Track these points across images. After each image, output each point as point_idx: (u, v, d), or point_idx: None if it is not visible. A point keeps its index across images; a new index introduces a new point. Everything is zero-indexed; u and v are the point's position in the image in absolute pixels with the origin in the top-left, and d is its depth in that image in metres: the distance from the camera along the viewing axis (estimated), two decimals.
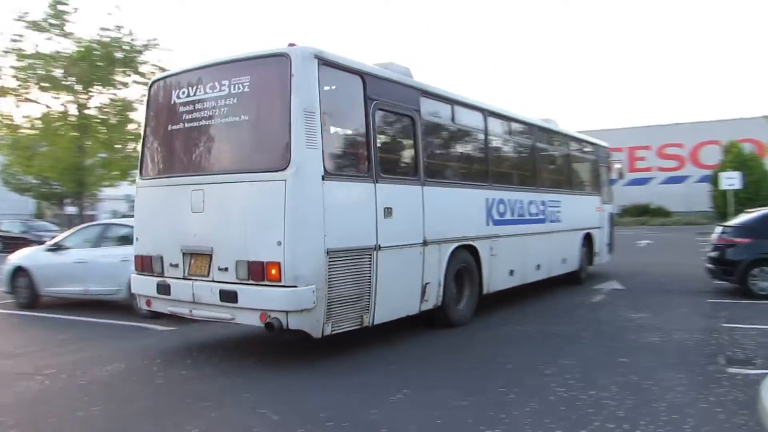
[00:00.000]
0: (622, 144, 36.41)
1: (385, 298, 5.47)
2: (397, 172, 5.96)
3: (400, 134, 6.14)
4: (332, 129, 5.22)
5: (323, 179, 4.86)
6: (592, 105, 72.29)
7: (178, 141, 5.65)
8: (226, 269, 5.09)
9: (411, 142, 6.10)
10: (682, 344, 6.05)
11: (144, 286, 5.81)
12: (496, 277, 7.58)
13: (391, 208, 5.60)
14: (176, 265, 5.49)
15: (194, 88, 5.50)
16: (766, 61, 66.88)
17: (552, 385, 4.73)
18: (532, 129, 8.98)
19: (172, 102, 5.65)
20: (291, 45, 5.02)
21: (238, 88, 5.16)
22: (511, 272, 7.98)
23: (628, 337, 6.38)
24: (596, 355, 5.66)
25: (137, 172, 6.11)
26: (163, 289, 5.56)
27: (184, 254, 5.44)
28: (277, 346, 5.79)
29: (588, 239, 10.99)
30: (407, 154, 6.14)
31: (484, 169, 7.52)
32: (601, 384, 4.70)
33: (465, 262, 6.88)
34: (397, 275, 5.69)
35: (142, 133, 6.09)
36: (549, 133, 9.71)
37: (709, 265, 9.61)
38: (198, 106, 5.45)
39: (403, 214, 5.81)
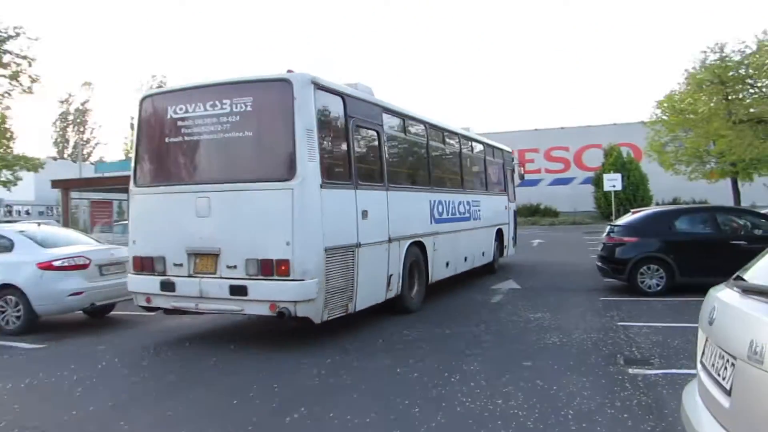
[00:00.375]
0: (513, 146, 38.10)
1: (363, 288, 6.75)
2: (370, 179, 7.23)
3: (369, 146, 7.45)
4: (323, 143, 6.30)
5: (321, 187, 6.07)
6: (486, 108, 76.14)
7: (177, 153, 6.72)
8: (234, 267, 6.15)
9: (377, 152, 7.53)
10: (582, 345, 6.13)
11: (143, 284, 6.77)
12: (437, 269, 9.16)
13: (367, 211, 6.97)
14: (180, 265, 6.53)
15: (193, 105, 6.60)
16: (642, 69, 74.71)
17: (458, 395, 4.65)
18: (459, 138, 10.80)
19: (168, 117, 6.71)
20: (290, 71, 6.18)
21: (241, 107, 6.29)
22: (447, 264, 9.64)
23: (530, 339, 6.45)
24: (500, 358, 5.67)
25: (130, 179, 7.10)
26: (168, 286, 6.57)
27: (189, 254, 6.48)
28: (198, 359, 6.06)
29: (499, 234, 12.95)
30: (375, 164, 7.50)
31: (428, 174, 9.18)
32: (508, 391, 4.69)
33: (415, 256, 8.32)
34: (371, 268, 6.96)
35: (134, 144, 7.06)
36: (470, 141, 11.59)
37: (600, 264, 9.84)
38: (198, 121, 6.54)
39: (375, 215, 7.16)
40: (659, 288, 9.09)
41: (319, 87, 6.54)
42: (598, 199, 33.24)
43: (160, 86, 8.06)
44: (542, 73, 72.48)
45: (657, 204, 32.73)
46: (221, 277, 6.51)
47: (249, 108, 6.57)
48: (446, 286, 9.89)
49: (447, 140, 10.42)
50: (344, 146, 6.97)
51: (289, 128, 6.29)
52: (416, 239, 8.55)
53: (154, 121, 7.19)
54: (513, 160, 15.09)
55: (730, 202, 23.46)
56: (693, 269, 8.92)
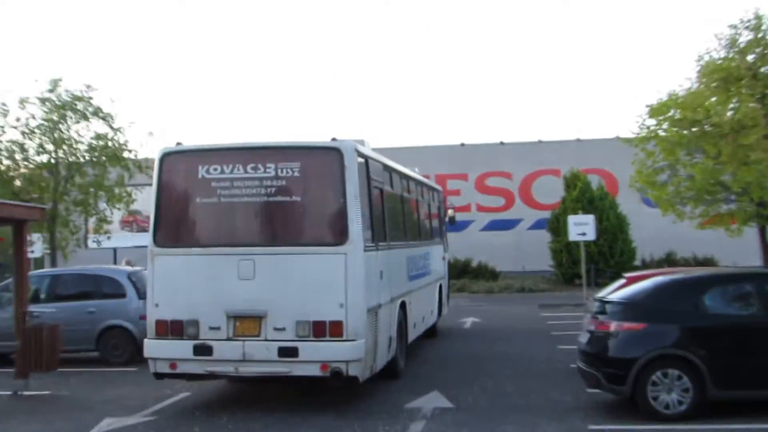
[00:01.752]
0: (427, 170, 39.01)
1: (380, 349, 10.91)
2: (381, 239, 11.54)
3: (378, 206, 11.69)
4: (362, 208, 10.46)
5: (366, 251, 10.25)
6: (388, 113, 77.92)
7: (212, 213, 10.83)
8: (283, 329, 10.05)
9: (381, 212, 11.74)
10: None
11: (169, 349, 10.44)
12: (411, 330, 13.58)
13: (382, 271, 11.21)
14: (218, 328, 10.31)
15: (230, 166, 10.56)
16: (616, 72, 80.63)
17: None
18: (414, 182, 15.23)
19: (200, 177, 10.64)
20: (334, 139, 10.49)
21: (287, 172, 10.36)
22: (415, 325, 14.15)
23: None
24: None
25: (149, 240, 10.94)
26: (203, 350, 10.26)
27: (228, 317, 10.23)
28: None
29: (440, 290, 17.87)
30: (381, 223, 11.66)
31: (404, 227, 13.54)
32: None
33: (401, 317, 12.51)
34: (383, 329, 11.07)
35: (153, 202, 10.86)
36: (420, 185, 16.16)
37: (583, 365, 10.00)
38: (237, 183, 10.51)
39: (385, 275, 11.44)
40: (683, 408, 9.13)
41: (359, 154, 10.80)
42: (557, 253, 34.46)
43: (178, 144, 11.87)
44: (469, 67, 75.86)
45: (643, 262, 34.52)
46: (267, 339, 10.26)
47: (296, 174, 10.62)
48: (326, 400, 11.28)
49: (410, 187, 14.98)
50: (368, 209, 11.09)
51: (340, 194, 10.40)
52: (402, 299, 12.89)
53: (178, 179, 11.08)
54: (443, 201, 19.63)
55: (755, 260, 24.82)
56: (737, 376, 9.05)
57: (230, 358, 10.43)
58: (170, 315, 10.68)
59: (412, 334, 14.18)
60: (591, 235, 24.80)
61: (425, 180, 17.51)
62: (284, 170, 10.76)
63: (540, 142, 41.13)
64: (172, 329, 10.66)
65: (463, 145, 42.11)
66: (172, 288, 10.81)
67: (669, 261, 33.88)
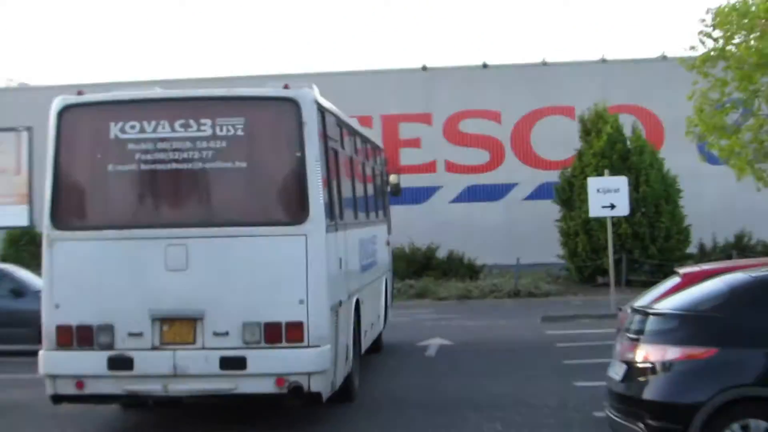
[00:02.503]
0: (369, 107, 38.74)
1: (339, 360, 12.57)
2: (337, 216, 13.16)
3: (332, 172, 13.09)
4: (321, 176, 12.07)
5: (327, 231, 11.79)
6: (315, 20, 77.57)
7: (130, 185, 12.28)
8: (226, 333, 11.46)
9: (337, 179, 13.42)
10: None
11: (74, 364, 11.72)
12: (363, 339, 15.21)
13: (341, 258, 12.82)
14: (139, 334, 11.61)
15: (153, 123, 11.95)
16: None
17: None
18: (362, 140, 17.22)
19: (112, 136, 12.02)
20: (287, 87, 12.02)
21: (228, 130, 11.80)
22: (365, 333, 15.64)
23: None
24: None
25: (44, 220, 12.19)
26: (120, 363, 11.52)
27: (153, 320, 11.60)
28: None
29: (386, 288, 19.91)
30: (335, 195, 13.24)
31: (354, 200, 15.02)
32: None
33: (356, 320, 14.16)
34: (343, 334, 12.82)
35: (49, 170, 12.07)
36: (365, 143, 17.86)
37: (615, 414, 10.16)
38: (163, 145, 11.95)
39: (343, 264, 13.09)
40: None
41: (318, 105, 12.17)
42: (570, 237, 34.77)
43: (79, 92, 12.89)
44: None
45: (702, 249, 34.81)
46: (205, 348, 11.52)
47: (240, 132, 11.88)
48: None
49: (358, 148, 16.75)
50: (327, 177, 12.39)
51: (298, 159, 11.75)
52: (356, 295, 14.62)
53: (86, 141, 12.27)
54: (385, 162, 21.24)
55: None
56: None
57: (157, 372, 11.60)
58: (76, 319, 11.80)
59: (365, 344, 16.02)
60: (623, 209, 24.98)
61: (368, 134, 18.82)
62: (224, 128, 11.91)
63: (544, 64, 41.47)
64: (78, 337, 11.79)
65: (425, 69, 42.46)
66: (78, 283, 11.89)
67: (740, 247, 34.44)
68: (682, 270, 13.25)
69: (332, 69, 43.99)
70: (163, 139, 12.05)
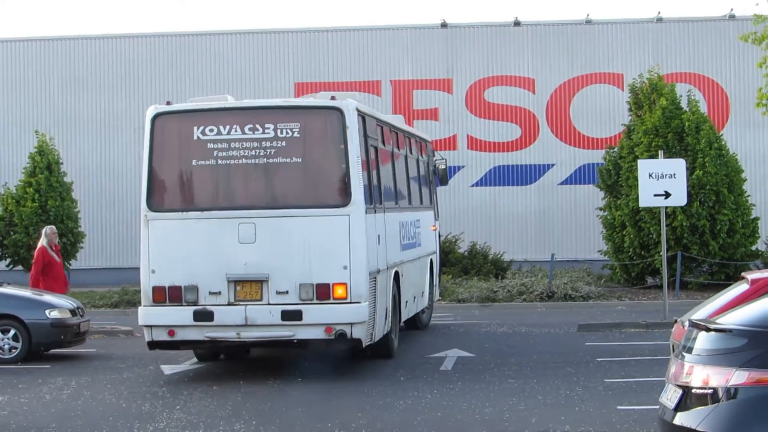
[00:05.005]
0: (380, 71, 38.63)
1: (378, 318, 19.23)
2: (377, 201, 19.88)
3: (373, 166, 19.90)
4: (361, 168, 18.62)
5: (366, 213, 18.57)
6: None
7: (209, 176, 18.97)
8: (286, 292, 18.09)
9: (376, 172, 20.08)
10: None
11: (167, 316, 18.27)
12: (404, 308, 21.89)
13: (379, 236, 19.59)
14: (218, 293, 18.20)
15: (226, 127, 18.53)
16: None
17: None
18: (405, 136, 23.65)
19: (195, 138, 18.54)
20: (334, 98, 19.20)
21: (287, 133, 18.45)
22: (407, 303, 22.19)
23: None
24: None
25: (142, 203, 18.65)
26: (204, 316, 18.10)
27: (229, 282, 18.18)
28: None
29: (430, 268, 26.32)
30: (376, 184, 20.01)
31: (395, 189, 21.75)
32: None
33: (395, 290, 20.74)
34: (380, 297, 19.38)
35: (146, 165, 18.52)
36: (410, 138, 24.43)
37: None
38: (235, 144, 18.53)
39: (382, 240, 19.84)
40: None
41: (358, 112, 18.47)
42: (615, 230, 34.81)
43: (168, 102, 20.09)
44: None
45: None
46: (270, 303, 17.87)
47: (296, 134, 18.22)
48: None
49: (402, 143, 23.08)
50: (367, 169, 18.72)
51: (343, 155, 18.03)
52: (396, 268, 20.81)
53: (172, 141, 18.64)
54: (434, 155, 28.11)
55: None
56: None
57: (232, 323, 18.02)
58: (168, 281, 18.20)
59: (405, 313, 22.55)
60: (679, 198, 24.98)
61: (412, 130, 26.40)
62: (284, 131, 18.29)
63: (588, 22, 41.36)
64: (170, 295, 18.17)
65: (445, 25, 42.58)
66: (169, 253, 18.38)
67: None
68: (752, 275, 13.06)
69: (334, 24, 43.59)
70: (235, 140, 18.35)
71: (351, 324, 17.78)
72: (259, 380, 18.46)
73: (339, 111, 18.24)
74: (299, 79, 42.40)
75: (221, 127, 18.34)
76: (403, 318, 22.41)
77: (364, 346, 18.26)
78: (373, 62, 41.06)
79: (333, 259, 17.93)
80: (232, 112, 19.00)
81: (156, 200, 18.57)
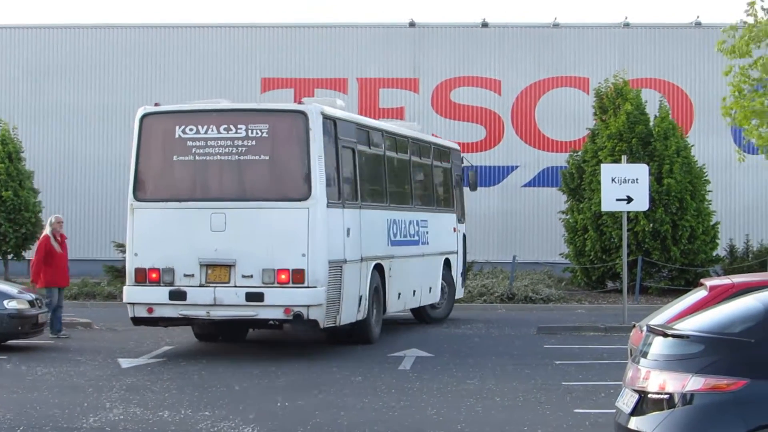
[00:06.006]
0: (347, 69, 38.74)
1: (345, 304, 21.49)
2: (350, 198, 22.49)
3: (348, 165, 22.63)
4: (326, 166, 20.99)
5: (326, 207, 20.92)
6: None
7: (187, 170, 21.65)
8: (251, 276, 20.52)
9: (353, 171, 22.78)
10: None
11: (147, 295, 21.04)
12: (392, 299, 24.37)
13: (350, 229, 21.98)
14: (191, 275, 20.68)
15: (204, 127, 21.05)
16: None
17: None
18: (408, 142, 26.45)
19: (177, 136, 21.11)
20: (301, 102, 22.47)
21: (257, 133, 20.89)
22: (399, 295, 24.90)
23: None
24: None
25: (129, 194, 21.50)
26: (178, 295, 20.67)
27: (201, 265, 20.65)
28: None
29: (447, 266, 28.21)
30: (352, 182, 22.70)
31: (385, 189, 24.64)
32: None
33: (376, 281, 23.27)
34: (351, 285, 21.85)
35: (133, 159, 21.29)
36: (419, 144, 27.24)
37: None
38: (211, 142, 21.04)
39: (354, 234, 22.24)
40: None
41: (325, 116, 20.78)
42: (576, 233, 34.90)
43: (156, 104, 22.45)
44: None
45: (732, 253, 34.76)
46: (236, 286, 20.26)
47: (265, 134, 20.65)
48: None
49: (399, 148, 25.69)
50: (336, 168, 21.29)
51: (305, 154, 20.33)
52: (378, 261, 23.13)
53: (156, 138, 21.18)
54: (462, 162, 30.87)
55: None
56: None
57: (202, 302, 20.21)
58: (148, 263, 20.54)
59: (395, 304, 24.79)
60: (641, 203, 25.06)
61: (426, 138, 28.73)
62: (254, 131, 20.42)
63: (556, 26, 41.54)
64: (149, 276, 20.52)
65: (413, 25, 42.60)
66: (150, 239, 20.79)
67: None
68: (710, 282, 13.09)
69: (302, 20, 43.57)
70: (211, 139, 20.54)
71: (308, 306, 19.85)
72: (219, 376, 18.55)
73: (304, 114, 20.36)
74: (266, 74, 42.16)
75: (199, 127, 20.56)
76: (394, 309, 24.89)
77: (322, 327, 20.41)
78: (340, 60, 41.01)
79: (293, 247, 19.99)
80: (209, 114, 21.20)
81: (141, 191, 20.99)
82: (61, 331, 23.95)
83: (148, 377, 18.49)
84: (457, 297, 29.22)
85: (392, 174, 25.27)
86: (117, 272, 32.78)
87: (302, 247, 19.98)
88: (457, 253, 29.08)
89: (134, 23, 45.34)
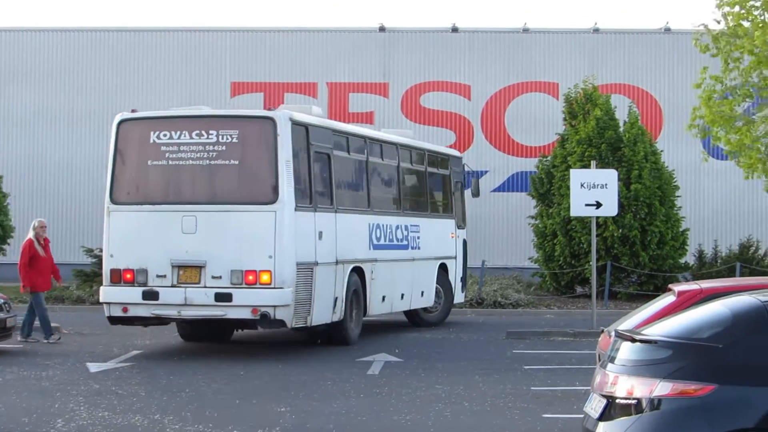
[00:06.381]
0: (316, 73, 39.01)
1: (317, 305, 22.33)
2: (324, 201, 23.30)
3: (323, 170, 23.56)
4: (295, 171, 21.99)
5: (295, 210, 21.83)
6: None
7: (161, 174, 22.54)
8: (219, 277, 21.35)
9: (328, 176, 23.61)
10: None
11: (121, 295, 21.95)
12: (374, 301, 25.26)
13: (322, 232, 22.70)
14: (164, 276, 21.64)
15: (177, 132, 22.01)
16: None
17: None
18: (397, 148, 27.23)
19: (151, 141, 22.15)
20: (270, 109, 24.04)
21: (227, 138, 21.78)
22: (384, 298, 25.83)
23: None
24: None
25: (106, 197, 22.44)
26: (151, 295, 21.64)
27: (173, 267, 21.56)
28: None
29: (443, 271, 28.93)
30: (327, 186, 23.60)
31: (367, 194, 25.72)
32: None
33: (355, 284, 24.17)
34: (323, 287, 22.63)
35: (110, 164, 22.22)
36: (410, 150, 28.21)
37: None
38: (183, 148, 21.97)
39: (327, 237, 23.02)
40: None
41: (294, 122, 21.67)
42: (546, 239, 34.99)
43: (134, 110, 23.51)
44: None
45: (701, 258, 34.87)
46: (206, 287, 21.08)
47: (235, 140, 21.48)
48: None
49: (385, 153, 26.40)
50: (306, 173, 22.17)
51: (273, 160, 21.15)
52: (357, 264, 23.95)
53: (132, 143, 22.18)
54: (463, 169, 31.29)
55: None
56: None
57: (174, 302, 21.05)
58: (123, 264, 21.33)
59: (379, 307, 25.61)
60: (610, 208, 25.15)
61: (419, 145, 29.38)
62: (224, 136, 21.21)
63: (526, 31, 41.56)
64: (124, 277, 21.30)
65: (383, 29, 42.63)
66: (125, 240, 21.55)
67: (746, 258, 34.61)
68: (678, 287, 13.10)
69: (272, 25, 43.48)
70: (184, 144, 21.35)
71: (274, 306, 20.61)
72: (188, 380, 18.55)
73: (272, 120, 21.15)
74: (235, 78, 42.13)
75: (173, 133, 21.42)
76: (378, 312, 25.81)
77: (290, 327, 21.49)
78: (310, 64, 40.97)
79: (260, 250, 20.77)
80: (183, 120, 22.20)
81: (117, 194, 21.79)
82: (30, 335, 24.09)
83: (116, 381, 18.37)
84: (456, 302, 29.81)
85: (376, 179, 26.24)
86: (85, 276, 32.99)
87: (269, 249, 20.68)
88: (455, 258, 29.63)
89: (101, 27, 44.96)
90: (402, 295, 26.45)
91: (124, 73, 42.30)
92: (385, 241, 25.83)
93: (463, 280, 30.24)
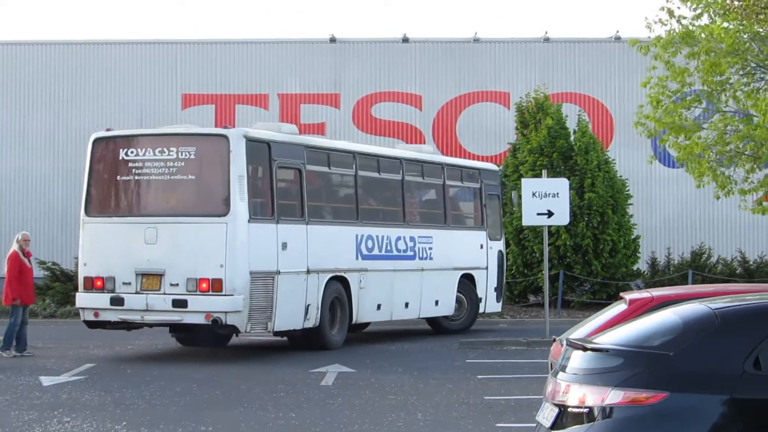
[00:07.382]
0: (268, 84, 39.33)
1: (281, 311, 24.10)
2: (290, 214, 25.17)
3: (291, 184, 25.77)
4: (252, 185, 24.01)
5: (249, 222, 23.69)
6: None
7: (128, 189, 24.97)
8: (177, 284, 23.43)
9: (298, 189, 25.41)
10: None
11: (93, 300, 24.20)
12: (364, 309, 26.88)
13: (286, 243, 24.44)
14: (129, 283, 23.72)
15: (143, 149, 24.22)
16: None
17: None
18: (401, 163, 28.52)
19: (120, 158, 24.37)
20: (226, 127, 25.67)
21: (185, 155, 23.79)
22: (379, 306, 27.41)
23: None
24: None
25: (81, 209, 24.90)
26: (117, 301, 23.72)
27: (137, 274, 23.69)
28: None
29: (469, 281, 29.85)
30: (296, 199, 25.47)
31: (355, 207, 27.28)
32: None
33: (338, 292, 25.88)
34: (289, 295, 24.33)
35: (85, 179, 24.55)
36: (421, 164, 29.52)
37: None
38: (147, 164, 24.08)
39: (294, 247, 24.74)
40: None
41: (250, 139, 23.57)
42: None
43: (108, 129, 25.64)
44: None
45: (653, 266, 35.02)
46: (165, 293, 23.12)
47: (193, 156, 23.46)
48: None
49: (382, 169, 27.85)
50: (268, 187, 24.21)
51: (225, 175, 22.94)
52: (338, 274, 25.63)
53: (104, 159, 24.44)
54: (498, 181, 31.66)
55: None
56: None
57: (137, 308, 22.82)
58: (95, 272, 23.26)
59: (371, 315, 27.07)
60: (562, 217, 25.23)
61: (435, 159, 30.91)
62: (183, 153, 22.88)
63: (476, 40, 41.62)
64: (95, 284, 23.20)
65: (333, 40, 42.62)
66: (97, 250, 23.47)
67: (698, 265, 34.80)
68: (629, 296, 13.14)
69: (223, 36, 43.40)
70: (148, 160, 23.18)
71: (225, 312, 22.21)
72: (141, 393, 18.59)
73: (225, 138, 22.87)
74: (187, 90, 41.94)
75: (139, 150, 23.37)
76: (369, 318, 27.37)
77: (243, 331, 22.89)
78: (261, 75, 40.94)
79: (212, 259, 22.41)
80: (148, 138, 24.33)
81: (90, 208, 23.87)
82: (26, 349, 24.54)
83: (69, 395, 18.42)
84: (489, 311, 31.03)
85: (369, 192, 27.86)
86: (38, 289, 32.64)
87: (220, 258, 22.36)
88: (486, 269, 30.28)
89: (51, 40, 44.64)
90: (407, 304, 27.73)
91: (75, 86, 42.01)
92: (379, 251, 27.10)
93: (498, 290, 30.81)
